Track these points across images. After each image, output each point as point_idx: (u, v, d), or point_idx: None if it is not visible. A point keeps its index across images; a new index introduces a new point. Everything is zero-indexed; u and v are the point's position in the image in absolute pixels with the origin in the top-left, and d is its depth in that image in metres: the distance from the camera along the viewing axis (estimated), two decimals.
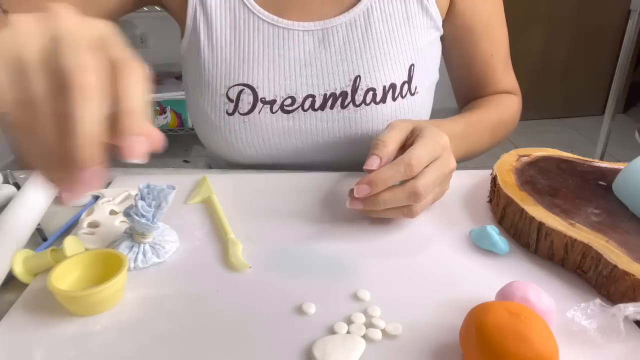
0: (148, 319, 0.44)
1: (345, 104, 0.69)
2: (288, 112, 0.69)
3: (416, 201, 0.52)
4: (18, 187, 0.65)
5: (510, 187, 0.56)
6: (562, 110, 3.04)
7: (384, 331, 0.42)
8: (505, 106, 0.77)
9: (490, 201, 0.61)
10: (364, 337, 0.41)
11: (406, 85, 0.70)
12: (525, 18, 2.77)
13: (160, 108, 2.46)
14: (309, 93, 0.69)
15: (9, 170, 0.70)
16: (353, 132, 0.71)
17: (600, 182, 0.57)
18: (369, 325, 0.43)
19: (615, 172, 0.57)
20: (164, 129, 2.47)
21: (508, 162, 0.61)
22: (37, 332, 0.43)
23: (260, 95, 0.68)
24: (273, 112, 0.69)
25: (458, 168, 0.59)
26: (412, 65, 0.70)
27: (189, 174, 0.70)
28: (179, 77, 2.53)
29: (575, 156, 0.64)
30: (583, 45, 2.91)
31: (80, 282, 0.47)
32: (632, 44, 1.86)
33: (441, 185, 0.56)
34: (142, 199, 0.50)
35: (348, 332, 0.42)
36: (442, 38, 0.75)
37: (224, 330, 0.43)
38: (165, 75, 2.54)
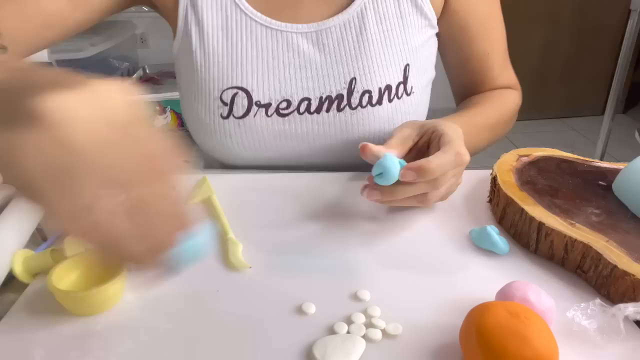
0: (148, 319, 0.44)
1: (342, 107, 0.69)
2: (283, 115, 0.68)
3: (434, 188, 0.52)
4: None
5: (510, 187, 0.56)
6: (562, 110, 3.04)
7: (384, 331, 0.42)
8: (502, 103, 0.77)
9: (490, 201, 0.61)
10: (364, 337, 0.41)
11: (402, 86, 0.69)
12: (525, 18, 2.77)
13: (160, 108, 2.46)
14: (305, 96, 0.68)
15: None
16: (349, 135, 0.70)
17: (600, 182, 0.57)
18: (369, 325, 0.43)
19: (615, 172, 0.57)
20: (163, 129, 2.47)
21: (508, 162, 0.61)
22: (37, 332, 0.43)
23: (255, 99, 0.67)
24: (268, 116, 0.68)
25: None
26: (407, 65, 0.69)
27: (189, 174, 0.70)
28: None
29: (575, 156, 0.64)
30: (583, 45, 2.91)
31: (80, 282, 0.47)
32: (632, 44, 1.86)
33: (455, 177, 0.56)
34: None
35: (348, 332, 0.42)
36: (437, 35, 0.75)
37: (224, 330, 0.43)
38: (165, 75, 2.54)
